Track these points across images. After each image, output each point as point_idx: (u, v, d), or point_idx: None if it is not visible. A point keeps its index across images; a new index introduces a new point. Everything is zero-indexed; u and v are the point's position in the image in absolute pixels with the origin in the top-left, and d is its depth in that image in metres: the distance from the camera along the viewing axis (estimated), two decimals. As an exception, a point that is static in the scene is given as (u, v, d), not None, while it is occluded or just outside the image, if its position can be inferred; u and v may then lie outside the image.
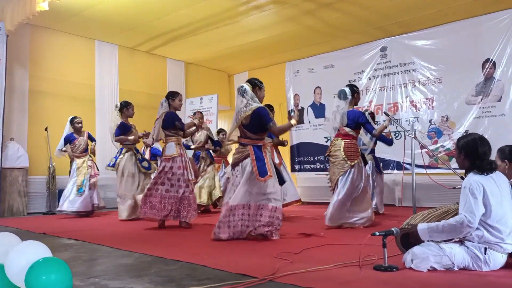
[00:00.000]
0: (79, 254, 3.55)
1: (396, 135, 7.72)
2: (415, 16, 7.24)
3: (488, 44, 6.89)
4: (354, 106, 5.13)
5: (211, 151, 7.35)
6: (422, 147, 5.33)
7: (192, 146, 7.15)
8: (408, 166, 6.39)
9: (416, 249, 2.74)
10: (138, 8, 6.97)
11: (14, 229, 5.24)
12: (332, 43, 8.59)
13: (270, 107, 6.07)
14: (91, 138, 6.99)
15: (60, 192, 7.52)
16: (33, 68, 7.60)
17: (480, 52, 6.98)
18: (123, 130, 6.13)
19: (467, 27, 7.15)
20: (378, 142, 6.39)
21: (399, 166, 7.51)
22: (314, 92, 9.24)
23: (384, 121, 7.96)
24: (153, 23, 7.59)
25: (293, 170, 9.33)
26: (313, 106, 9.28)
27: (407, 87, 7.85)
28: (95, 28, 7.87)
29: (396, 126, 5.51)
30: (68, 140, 6.73)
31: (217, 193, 7.11)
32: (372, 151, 6.46)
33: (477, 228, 2.65)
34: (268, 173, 4.06)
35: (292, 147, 9.34)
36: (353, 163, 4.85)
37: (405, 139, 4.97)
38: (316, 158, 9.01)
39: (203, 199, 7.01)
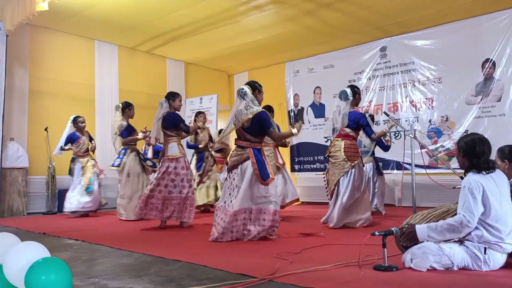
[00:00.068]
0: (79, 254, 3.55)
1: (396, 135, 7.72)
2: (415, 16, 7.24)
3: (488, 44, 6.89)
4: (355, 107, 5.13)
5: (213, 152, 7.35)
6: (422, 147, 5.32)
7: (200, 146, 7.11)
8: (408, 166, 6.39)
9: (415, 248, 2.74)
10: (138, 8, 6.97)
11: (14, 229, 5.24)
12: (332, 43, 8.59)
13: (270, 108, 6.08)
14: (90, 138, 7.01)
15: (60, 192, 7.54)
16: (33, 68, 7.59)
17: (480, 52, 6.98)
18: (130, 131, 6.23)
19: (467, 27, 7.15)
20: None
21: (399, 166, 7.51)
22: (314, 92, 9.25)
23: (386, 122, 7.98)
24: (153, 23, 7.59)
25: (293, 170, 9.34)
26: (313, 106, 9.28)
27: (407, 87, 7.85)
28: (95, 28, 7.87)
29: (396, 126, 5.51)
30: (71, 139, 6.74)
31: (219, 193, 7.10)
32: (373, 153, 6.46)
33: (477, 228, 2.65)
34: (270, 176, 4.07)
35: (292, 147, 9.34)
36: (353, 164, 4.86)
37: (405, 139, 4.97)
38: (316, 158, 9.01)
39: (211, 198, 7.01)
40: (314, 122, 9.22)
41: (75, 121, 6.84)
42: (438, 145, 7.34)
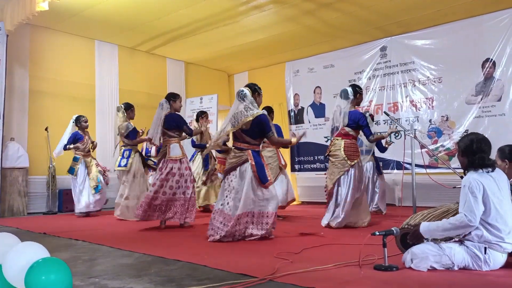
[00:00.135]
0: (79, 254, 3.56)
1: (396, 135, 7.72)
2: (415, 16, 7.23)
3: (488, 43, 6.89)
4: (356, 106, 5.13)
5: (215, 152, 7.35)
6: (422, 146, 5.33)
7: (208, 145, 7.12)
8: (408, 166, 6.39)
9: (415, 248, 2.74)
10: (138, 8, 6.96)
11: (14, 229, 5.25)
12: (332, 43, 8.59)
13: (270, 109, 6.08)
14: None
15: (61, 192, 7.55)
16: (33, 68, 7.59)
17: (480, 52, 6.97)
18: (135, 132, 6.30)
19: (467, 27, 7.15)
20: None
21: (399, 165, 7.51)
22: (314, 92, 9.25)
23: (386, 122, 7.98)
24: (153, 23, 7.59)
25: (293, 170, 9.34)
26: (313, 106, 9.28)
27: (407, 86, 7.85)
28: (95, 28, 7.87)
29: (396, 126, 5.52)
30: (75, 138, 6.77)
31: None
32: (373, 152, 6.47)
33: (477, 228, 2.64)
34: (269, 179, 4.08)
35: (292, 147, 9.33)
36: (353, 163, 4.86)
37: (405, 138, 4.97)
38: (316, 158, 9.01)
39: (213, 199, 7.03)
40: (314, 122, 9.22)
41: (78, 120, 6.86)
42: (438, 144, 7.34)
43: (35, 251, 2.11)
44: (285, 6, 6.90)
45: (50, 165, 7.43)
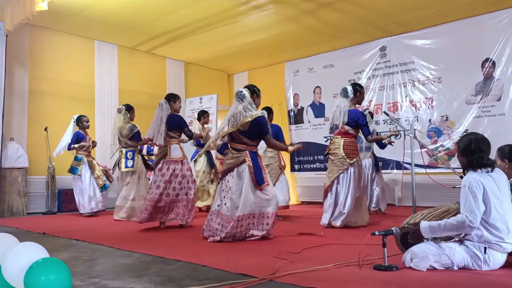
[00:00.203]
0: (79, 254, 3.55)
1: (394, 136, 7.72)
2: (415, 16, 7.23)
3: (488, 43, 6.89)
4: (357, 105, 5.13)
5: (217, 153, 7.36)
6: (422, 146, 5.33)
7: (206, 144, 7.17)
8: (407, 166, 6.39)
9: (415, 248, 2.74)
10: (138, 8, 6.96)
11: (14, 229, 5.25)
12: (331, 43, 8.59)
13: (270, 109, 6.08)
14: None
15: (60, 192, 7.54)
16: (32, 68, 7.59)
17: (479, 52, 6.98)
18: (139, 134, 6.30)
19: (467, 27, 7.15)
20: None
21: (398, 165, 7.51)
22: (314, 92, 9.25)
23: (385, 122, 7.98)
24: (153, 23, 7.59)
25: (292, 170, 9.34)
26: (312, 105, 9.28)
27: (406, 86, 7.85)
28: (94, 28, 7.87)
29: (396, 126, 5.52)
30: (78, 137, 6.80)
31: None
32: (372, 149, 6.48)
33: (477, 228, 2.64)
34: (265, 181, 4.07)
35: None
36: (352, 161, 4.87)
37: (404, 138, 4.97)
38: (315, 158, 9.01)
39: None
40: (314, 121, 9.22)
41: (79, 120, 6.88)
42: (438, 144, 7.35)
43: (35, 251, 2.11)
44: (285, 6, 6.90)
45: (50, 165, 7.43)
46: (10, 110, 7.18)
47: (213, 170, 7.01)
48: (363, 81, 8.37)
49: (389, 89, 8.09)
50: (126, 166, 6.25)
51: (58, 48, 7.94)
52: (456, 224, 2.62)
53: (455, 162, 6.49)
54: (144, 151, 7.50)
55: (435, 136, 7.42)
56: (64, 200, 7.49)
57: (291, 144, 4.44)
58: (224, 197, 4.12)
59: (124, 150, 6.31)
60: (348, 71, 8.59)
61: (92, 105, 8.23)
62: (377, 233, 2.80)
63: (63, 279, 1.97)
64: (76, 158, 6.82)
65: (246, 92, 4.21)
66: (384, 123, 8.03)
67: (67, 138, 6.80)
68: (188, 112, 9.32)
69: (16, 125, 7.31)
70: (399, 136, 5.08)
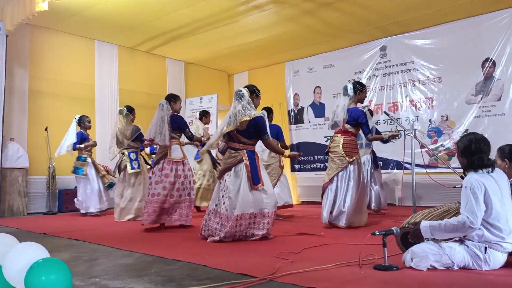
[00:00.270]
0: (80, 254, 3.56)
1: (395, 137, 7.71)
2: (415, 16, 7.23)
3: (488, 43, 6.89)
4: (358, 104, 5.12)
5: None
6: (422, 146, 5.33)
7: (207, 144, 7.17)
8: (408, 166, 6.39)
9: (415, 248, 2.74)
10: (138, 8, 6.96)
11: (15, 229, 5.25)
12: (331, 43, 8.59)
13: (270, 110, 6.08)
14: None
15: (60, 192, 7.55)
16: (33, 68, 7.59)
17: (479, 52, 6.98)
18: (142, 135, 6.25)
19: (467, 27, 7.14)
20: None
21: (399, 165, 7.51)
22: (314, 92, 9.25)
23: (386, 121, 7.97)
24: (152, 23, 7.59)
25: (293, 169, 9.34)
26: (313, 105, 9.28)
27: (407, 86, 7.85)
28: (94, 28, 7.87)
29: (396, 126, 5.52)
30: (82, 137, 6.85)
31: None
32: (371, 146, 6.49)
33: (477, 228, 2.64)
34: (260, 182, 4.07)
35: (292, 147, 9.34)
36: (351, 160, 4.87)
37: (405, 138, 4.97)
38: (316, 158, 9.01)
39: None
40: (314, 121, 9.22)
41: (81, 120, 6.89)
42: (438, 144, 7.34)
43: (35, 252, 2.11)
44: (285, 6, 6.90)
45: (50, 165, 7.43)
46: (10, 110, 7.19)
47: (217, 169, 7.02)
48: (363, 81, 8.36)
49: (389, 89, 8.09)
50: (132, 168, 6.23)
51: (58, 48, 7.94)
52: (457, 224, 2.61)
53: (455, 162, 6.49)
54: (148, 151, 7.49)
55: (435, 136, 7.42)
56: (65, 200, 7.50)
57: (288, 148, 4.48)
58: (222, 196, 4.12)
59: (126, 152, 6.29)
60: (348, 71, 8.59)
61: (92, 105, 8.23)
62: (378, 233, 2.80)
63: (64, 279, 1.97)
64: (79, 158, 6.83)
65: (245, 91, 4.22)
66: (384, 123, 8.03)
67: (70, 138, 6.80)
68: (188, 112, 9.32)
69: (16, 125, 7.31)
70: (399, 136, 5.07)
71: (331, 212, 4.89)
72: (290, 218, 6.18)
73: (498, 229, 2.62)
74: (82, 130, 6.89)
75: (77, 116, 6.94)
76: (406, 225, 2.99)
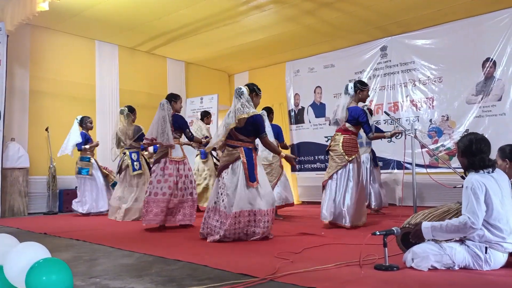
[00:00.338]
0: (80, 254, 3.56)
1: (396, 134, 7.72)
2: (415, 16, 7.23)
3: (488, 43, 6.88)
4: (361, 103, 5.12)
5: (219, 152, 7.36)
6: (423, 146, 5.33)
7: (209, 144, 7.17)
8: (408, 166, 6.39)
9: (416, 248, 2.74)
10: (138, 8, 6.97)
11: (15, 229, 5.25)
12: (332, 43, 8.59)
13: (270, 109, 6.08)
14: None
15: (61, 192, 7.55)
16: (33, 68, 7.60)
17: (480, 51, 6.97)
18: (143, 135, 6.25)
19: (467, 27, 7.14)
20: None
21: (399, 165, 7.51)
22: (314, 92, 9.25)
23: (386, 121, 7.97)
24: (153, 23, 7.59)
25: (293, 169, 9.33)
26: (313, 105, 9.28)
27: (407, 86, 7.85)
28: (95, 28, 7.87)
29: (396, 126, 5.52)
30: (85, 138, 6.88)
31: None
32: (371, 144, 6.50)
33: (478, 228, 2.64)
34: (256, 180, 4.07)
35: (292, 147, 9.34)
36: (350, 158, 4.87)
37: (405, 138, 4.97)
38: (316, 158, 9.01)
39: None
40: (314, 121, 9.22)
41: (83, 121, 6.91)
42: (438, 144, 7.34)
43: (36, 252, 2.11)
44: (285, 6, 6.90)
45: (51, 165, 7.44)
46: (11, 110, 7.19)
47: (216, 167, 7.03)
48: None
49: (390, 89, 8.09)
50: (134, 170, 6.22)
51: (59, 48, 7.95)
52: (458, 225, 2.61)
53: (455, 162, 6.48)
54: (151, 150, 7.49)
55: (436, 136, 7.42)
56: (65, 200, 7.51)
57: (288, 149, 4.48)
58: (221, 194, 4.12)
59: (128, 152, 6.28)
60: (348, 71, 8.59)
61: (93, 105, 8.24)
62: (378, 233, 2.80)
63: (64, 279, 1.97)
64: (83, 159, 6.84)
65: (244, 89, 4.23)
66: (384, 123, 8.03)
67: (74, 138, 6.79)
68: (189, 112, 9.32)
69: (17, 126, 7.32)
70: (400, 135, 5.08)
71: (333, 212, 4.89)
72: (290, 218, 6.18)
73: (498, 229, 2.62)
74: (84, 131, 6.90)
75: (79, 117, 6.96)
76: (407, 225, 2.99)
